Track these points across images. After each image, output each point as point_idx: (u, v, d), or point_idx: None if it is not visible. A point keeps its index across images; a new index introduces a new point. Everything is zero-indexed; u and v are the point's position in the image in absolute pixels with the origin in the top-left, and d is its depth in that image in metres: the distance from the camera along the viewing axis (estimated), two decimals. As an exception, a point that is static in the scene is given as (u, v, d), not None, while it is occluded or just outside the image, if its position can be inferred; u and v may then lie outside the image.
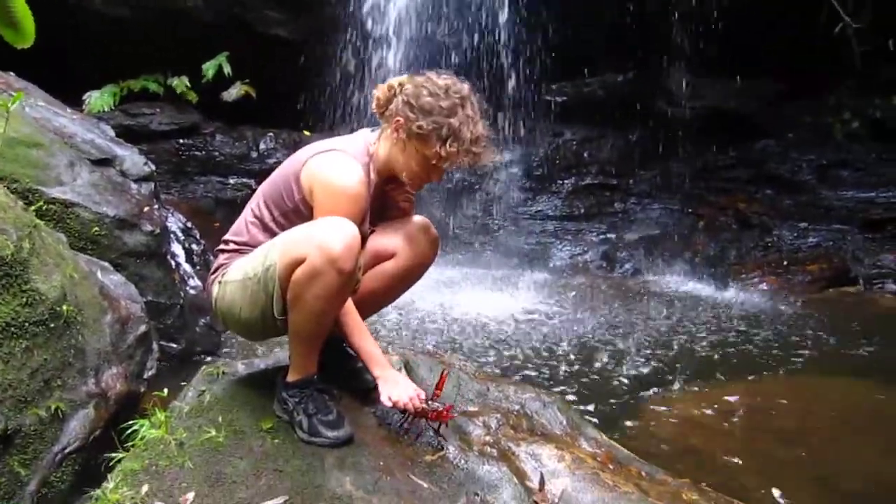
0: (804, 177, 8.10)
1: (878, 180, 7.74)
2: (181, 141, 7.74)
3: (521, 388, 3.00)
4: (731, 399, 4.14)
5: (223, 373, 2.77)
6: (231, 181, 7.79)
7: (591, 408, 3.77)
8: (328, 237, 2.24)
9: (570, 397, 3.89)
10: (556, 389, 3.96)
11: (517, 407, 2.86)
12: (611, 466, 2.62)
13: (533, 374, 4.31)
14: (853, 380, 4.67)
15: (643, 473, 2.63)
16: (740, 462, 3.31)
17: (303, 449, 2.38)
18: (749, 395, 4.25)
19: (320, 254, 2.23)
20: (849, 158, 7.92)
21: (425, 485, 2.32)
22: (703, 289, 6.98)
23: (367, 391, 2.64)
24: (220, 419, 2.50)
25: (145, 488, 2.21)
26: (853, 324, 5.85)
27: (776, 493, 3.02)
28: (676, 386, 4.23)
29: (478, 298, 6.16)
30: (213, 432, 2.42)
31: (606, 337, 5.24)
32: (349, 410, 2.56)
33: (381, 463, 2.35)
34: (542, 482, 2.43)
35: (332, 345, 2.62)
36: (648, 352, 4.92)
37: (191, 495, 2.19)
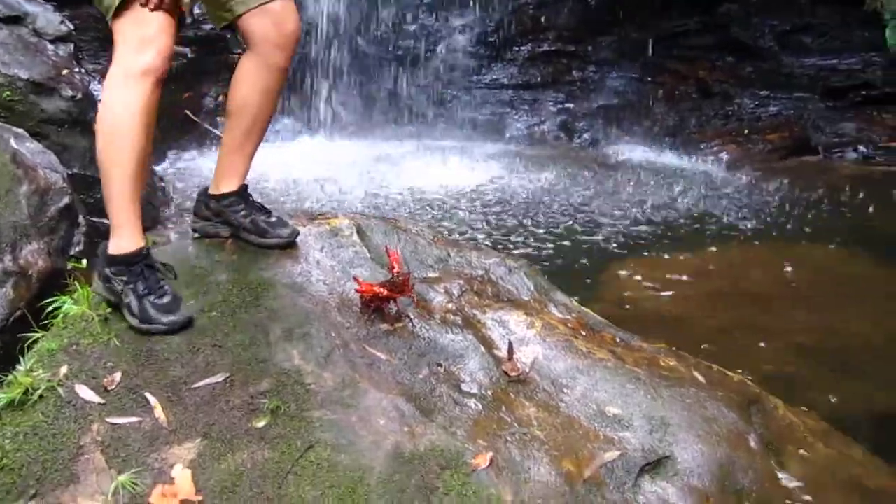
0: (766, 43, 7.80)
1: (840, 45, 7.47)
2: (107, 6, 7.07)
3: (485, 254, 2.77)
4: (700, 265, 4.00)
5: (154, 243, 2.48)
6: (164, 50, 7.20)
7: (555, 274, 3.57)
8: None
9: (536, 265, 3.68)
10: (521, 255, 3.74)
11: (481, 272, 2.63)
12: (583, 333, 2.43)
13: (496, 240, 4.08)
14: (819, 245, 4.58)
15: (617, 339, 2.44)
16: (715, 327, 3.18)
17: (244, 322, 2.13)
18: (717, 262, 4.13)
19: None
20: (813, 23, 7.62)
21: (383, 356, 2.09)
22: (663, 158, 6.79)
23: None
24: (149, 291, 2.22)
25: (64, 369, 1.94)
26: (815, 191, 5.74)
27: (755, 358, 2.89)
28: (644, 253, 4.07)
29: (431, 171, 5.87)
30: (142, 306, 2.14)
31: (568, 207, 5.03)
32: (288, 269, 2.30)
33: (334, 334, 2.11)
34: (510, 350, 2.22)
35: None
36: (611, 221, 4.74)
37: (117, 375, 1.93)
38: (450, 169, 5.97)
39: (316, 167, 5.84)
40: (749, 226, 4.85)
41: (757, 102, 7.51)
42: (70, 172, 3.88)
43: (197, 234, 2.49)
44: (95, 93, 4.96)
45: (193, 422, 1.83)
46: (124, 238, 2.12)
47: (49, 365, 1.96)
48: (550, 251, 4.07)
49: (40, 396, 1.86)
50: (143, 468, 1.72)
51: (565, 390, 2.13)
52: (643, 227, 4.67)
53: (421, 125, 7.16)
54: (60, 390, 1.88)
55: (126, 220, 2.11)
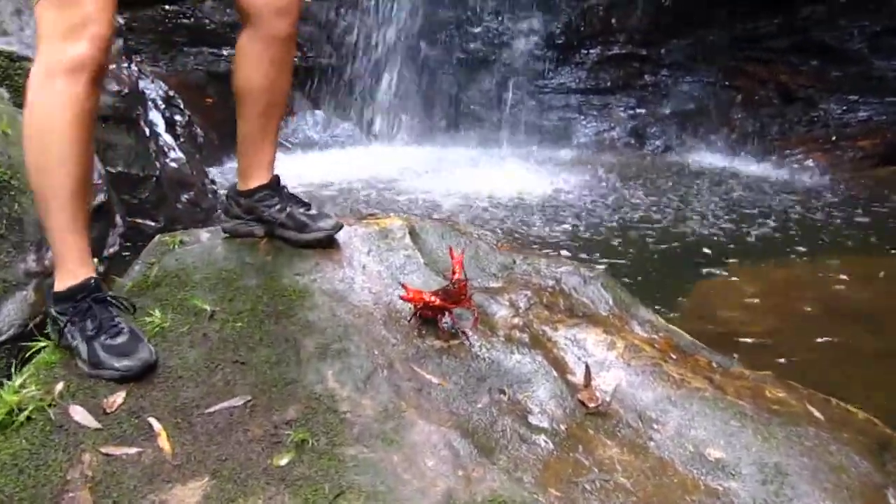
0: (854, 45, 7.25)
1: (935, 48, 6.92)
2: (167, 7, 6.94)
3: (556, 262, 2.40)
4: (792, 281, 3.57)
5: (181, 242, 2.19)
6: (224, 53, 7.03)
7: (634, 288, 3.19)
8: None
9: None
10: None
11: (551, 283, 2.27)
12: (673, 356, 2.04)
13: (565, 252, 3.71)
14: None
15: (714, 365, 2.05)
16: (817, 350, 2.75)
17: (273, 335, 1.81)
18: (810, 277, 3.68)
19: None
20: (906, 25, 7.07)
21: (435, 380, 1.75)
22: (743, 166, 6.31)
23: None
24: (168, 298, 1.93)
25: (60, 386, 1.65)
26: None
27: (868, 387, 2.47)
28: (729, 268, 3.65)
29: (495, 178, 5.52)
30: (158, 315, 1.85)
31: (642, 216, 4.62)
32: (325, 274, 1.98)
33: (377, 352, 1.78)
34: (588, 375, 1.86)
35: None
36: (691, 231, 4.32)
37: (120, 396, 1.63)
38: (514, 176, 5.61)
39: (374, 173, 5.56)
40: (844, 238, 4.38)
41: (845, 108, 6.98)
42: (112, 171, 3.68)
43: (227, 235, 2.19)
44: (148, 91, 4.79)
45: (203, 455, 1.51)
46: (67, 270, 1.76)
47: (44, 380, 1.68)
48: (626, 263, 3.68)
49: (28, 418, 1.57)
50: (138, 513, 1.41)
51: (655, 426, 1.75)
52: (726, 239, 4.24)
53: (484, 131, 6.82)
54: (51, 412, 1.58)
55: (68, 250, 1.75)
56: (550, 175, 5.68)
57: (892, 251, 4.20)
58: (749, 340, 2.81)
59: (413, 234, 2.31)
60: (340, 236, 2.18)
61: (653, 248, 3.93)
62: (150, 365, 1.69)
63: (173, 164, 4.34)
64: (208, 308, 1.87)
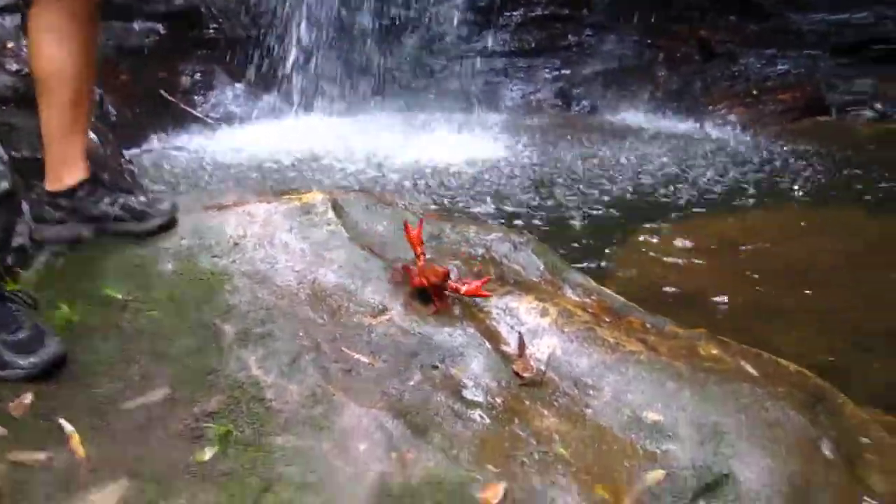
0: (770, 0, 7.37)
1: (851, 0, 7.05)
2: (69, -20, 6.59)
3: (484, 229, 2.35)
4: (719, 236, 3.60)
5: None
6: (136, 27, 6.72)
7: (564, 251, 3.17)
8: None
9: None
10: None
11: (481, 251, 2.22)
12: (607, 319, 2.02)
13: (495, 217, 3.66)
14: (847, 209, 4.17)
15: (647, 326, 2.03)
16: (747, 306, 2.77)
17: (192, 323, 1.72)
18: (737, 232, 3.72)
19: None
20: (820, -25, 7.18)
21: (364, 359, 1.69)
22: (669, 124, 6.35)
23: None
24: (77, 289, 1.82)
25: (-41, 391, 1.53)
26: (834, 152, 5.32)
27: (798, 339, 2.50)
28: (657, 224, 3.65)
29: (421, 145, 5.42)
30: (66, 307, 1.73)
31: (571, 178, 4.60)
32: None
33: (302, 333, 1.70)
34: (521, 344, 1.82)
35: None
36: (619, 190, 4.32)
37: (27, 398, 1.53)
38: (441, 142, 5.52)
39: (298, 145, 5.40)
40: (768, 192, 4.43)
41: (764, 62, 7.07)
42: (17, 155, 3.48)
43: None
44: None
45: (121, 456, 1.42)
46: None
47: (-58, 386, 1.55)
48: (555, 226, 3.65)
49: (-76, 429, 1.46)
50: (51, 522, 1.32)
51: (591, 392, 1.73)
52: (654, 198, 4.25)
53: (409, 97, 6.70)
54: (-50, 420, 1.47)
55: None
56: (478, 140, 5.62)
57: (816, 202, 4.27)
58: (680, 298, 2.82)
59: (336, 207, 2.23)
60: (260, 214, 2.10)
61: (583, 209, 3.91)
62: (59, 361, 1.59)
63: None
64: (121, 297, 1.77)
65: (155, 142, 5.35)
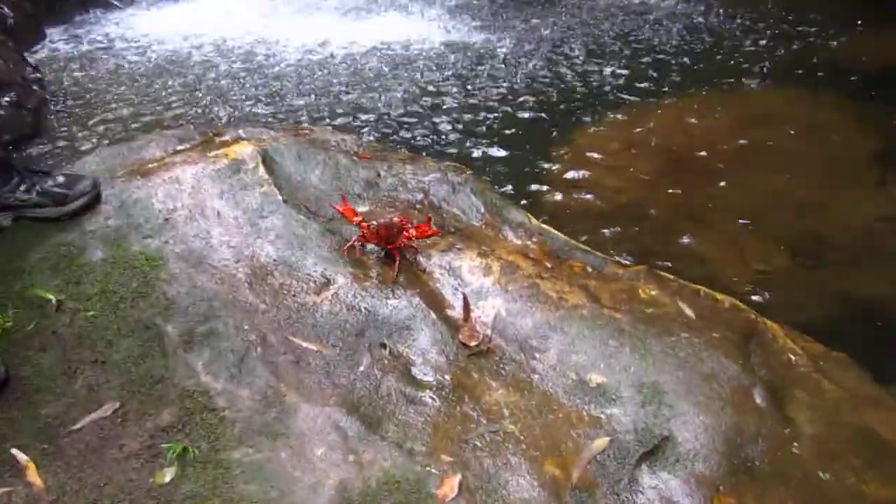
0: None
1: None
2: None
3: (422, 166, 2.31)
4: (640, 127, 3.53)
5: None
6: None
7: (502, 153, 3.13)
8: None
9: (483, 149, 3.17)
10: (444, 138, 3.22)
11: (420, 196, 2.19)
12: (548, 265, 2.04)
13: (413, 118, 3.51)
14: (772, 88, 4.07)
15: (589, 269, 2.06)
16: (678, 209, 2.80)
17: (132, 322, 1.69)
18: (660, 120, 3.64)
19: None
20: None
21: (313, 346, 1.69)
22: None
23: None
24: (5, 287, 1.75)
25: None
26: (748, 14, 5.18)
27: (726, 249, 2.57)
28: (596, 118, 3.59)
29: (323, 30, 5.03)
30: (-2, 312, 1.68)
31: (509, 64, 4.43)
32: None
33: (247, 325, 1.69)
34: (466, 309, 1.84)
35: None
36: (566, 76, 4.18)
37: (-31, 424, 1.50)
38: (344, 27, 5.16)
39: (191, 30, 4.99)
40: (681, 69, 4.30)
41: None
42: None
43: None
44: None
45: (79, 483, 1.43)
46: None
47: None
48: (491, 126, 3.56)
49: None
50: (19, 565, 1.34)
51: (537, 356, 1.77)
52: (594, 83, 4.13)
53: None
54: None
55: None
56: (412, 23, 5.34)
57: (736, 81, 4.14)
58: (618, 211, 2.82)
59: (267, 160, 2.15)
60: (188, 180, 2.02)
61: (517, 115, 3.78)
62: (1, 385, 1.55)
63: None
64: (53, 298, 1.71)
65: (59, 35, 4.95)
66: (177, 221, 1.91)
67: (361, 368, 1.67)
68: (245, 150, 2.16)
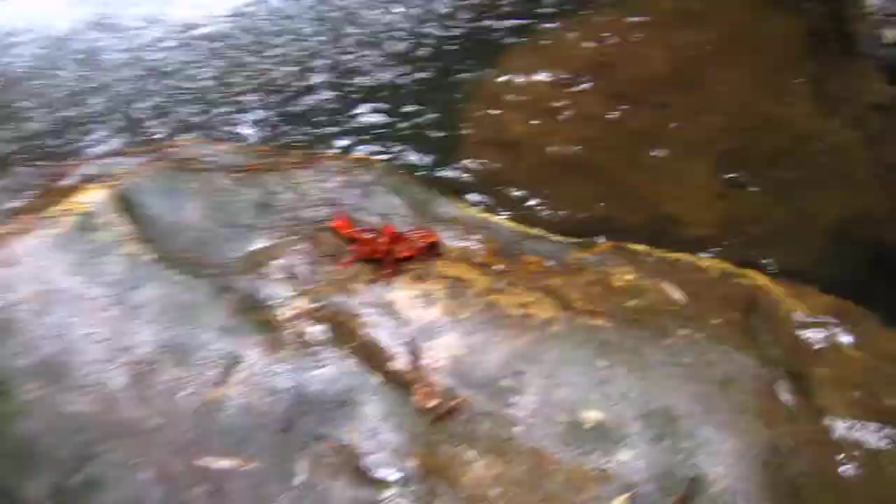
0: None
1: None
2: None
3: (322, 170, 1.88)
4: (564, 53, 3.10)
5: None
6: None
7: (409, 119, 2.67)
8: None
9: (385, 117, 2.66)
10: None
11: (326, 210, 1.77)
12: (501, 267, 1.66)
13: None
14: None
15: (547, 263, 1.70)
16: (623, 154, 2.44)
17: (-18, 484, 1.26)
18: (590, 46, 3.20)
19: None
20: None
21: (230, 464, 1.30)
22: None
23: None
24: None
25: None
26: None
27: (686, 186, 2.24)
28: (500, 62, 3.12)
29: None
30: None
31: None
32: None
33: (137, 458, 1.28)
34: (415, 359, 1.46)
35: None
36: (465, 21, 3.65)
37: None
38: None
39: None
40: None
41: None
42: None
43: None
44: None
45: None
46: None
47: None
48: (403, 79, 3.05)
49: None
50: None
51: (513, 400, 1.41)
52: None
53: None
54: None
55: None
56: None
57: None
58: (556, 165, 2.44)
59: (126, 205, 1.70)
60: (28, 254, 1.56)
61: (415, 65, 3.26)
62: None
63: None
64: None
65: None
66: (19, 322, 1.46)
67: (300, 479, 1.29)
68: (95, 196, 1.69)
